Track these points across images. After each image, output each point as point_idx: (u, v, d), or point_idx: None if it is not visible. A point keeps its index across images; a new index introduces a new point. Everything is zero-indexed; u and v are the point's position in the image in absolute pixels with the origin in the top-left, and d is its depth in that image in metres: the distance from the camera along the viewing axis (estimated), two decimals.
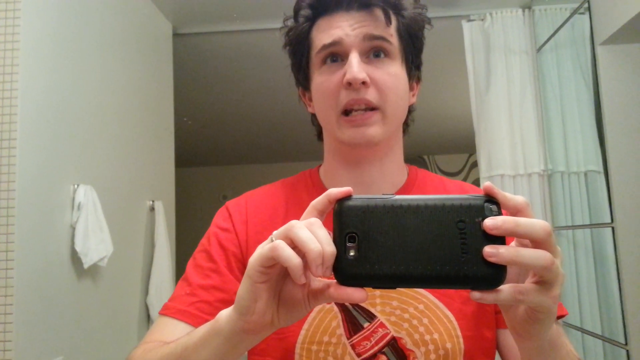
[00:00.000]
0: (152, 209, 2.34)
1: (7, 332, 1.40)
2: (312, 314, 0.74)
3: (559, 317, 0.74)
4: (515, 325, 0.52)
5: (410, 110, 0.85)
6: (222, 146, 5.63)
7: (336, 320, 0.73)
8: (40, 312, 1.52)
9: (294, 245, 0.49)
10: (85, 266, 1.68)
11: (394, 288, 0.49)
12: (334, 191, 0.50)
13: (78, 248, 1.65)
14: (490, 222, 0.46)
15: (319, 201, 0.52)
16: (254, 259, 0.51)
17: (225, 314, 0.56)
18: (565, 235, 2.36)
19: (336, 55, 0.76)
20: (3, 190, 1.43)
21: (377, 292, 0.74)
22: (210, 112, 4.35)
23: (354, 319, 0.74)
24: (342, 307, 0.74)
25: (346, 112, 0.75)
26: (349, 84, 0.73)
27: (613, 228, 1.98)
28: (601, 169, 2.07)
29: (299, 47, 0.82)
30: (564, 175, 2.37)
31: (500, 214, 0.47)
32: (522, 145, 2.49)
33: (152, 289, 2.25)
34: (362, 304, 0.74)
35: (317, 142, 0.90)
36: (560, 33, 2.36)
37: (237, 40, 2.96)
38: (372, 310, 0.74)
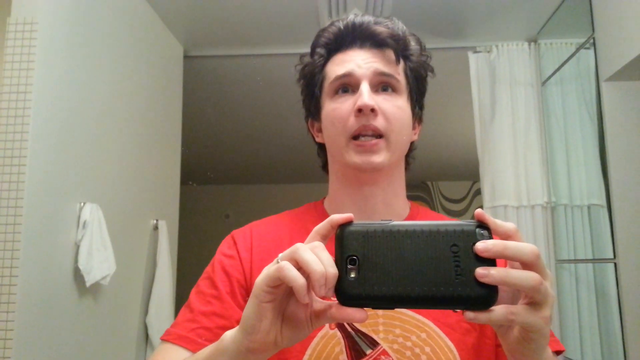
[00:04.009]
0: (156, 228, 2.35)
1: (7, 348, 1.40)
2: (315, 340, 0.75)
3: (558, 353, 0.75)
4: (510, 348, 0.55)
5: (412, 148, 0.90)
6: (227, 166, 5.66)
7: (339, 346, 0.74)
8: (40, 328, 1.52)
9: (299, 267, 0.51)
10: (88, 284, 1.68)
11: (392, 308, 0.53)
12: (336, 217, 0.54)
13: (81, 266, 1.66)
14: (482, 246, 0.49)
15: (322, 226, 0.55)
16: (261, 279, 0.53)
17: (230, 333, 0.58)
18: (567, 268, 2.36)
19: (348, 86, 0.81)
20: (11, 207, 1.45)
21: (380, 319, 0.75)
22: (217, 132, 4.39)
23: (357, 345, 0.74)
24: (345, 333, 0.75)
25: (355, 137, 0.79)
26: (360, 110, 0.77)
27: (615, 264, 1.98)
28: (604, 203, 2.08)
29: (313, 79, 0.87)
30: (567, 208, 2.38)
31: (491, 238, 0.51)
32: (526, 177, 2.50)
33: (152, 308, 2.24)
34: (365, 331, 0.75)
35: (320, 165, 0.94)
36: (566, 67, 2.38)
37: (246, 64, 3.01)
38: (375, 337, 0.75)
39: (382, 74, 0.80)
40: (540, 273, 0.49)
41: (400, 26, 0.84)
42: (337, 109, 0.81)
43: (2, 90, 1.50)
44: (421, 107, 0.90)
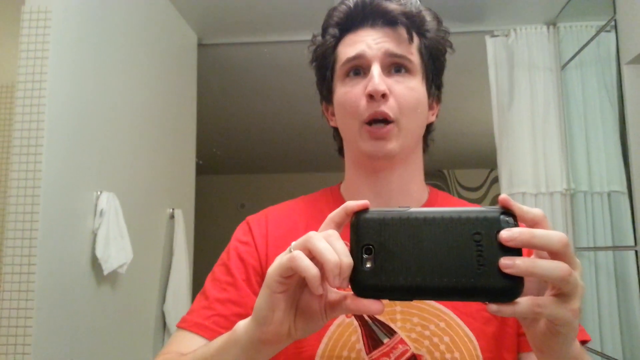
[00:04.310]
0: (172, 216, 2.36)
1: (27, 335, 1.42)
2: (332, 328, 0.73)
3: (583, 343, 0.72)
4: (536, 341, 0.52)
5: (430, 129, 0.87)
6: (242, 155, 5.67)
7: (356, 334, 0.73)
8: (59, 317, 1.54)
9: (312, 256, 0.49)
10: (105, 272, 1.70)
11: (411, 300, 0.49)
12: (351, 204, 0.51)
13: (99, 254, 1.67)
14: (507, 234, 0.46)
15: (336, 213, 0.52)
16: (273, 269, 0.51)
17: (243, 324, 0.57)
18: (587, 256, 2.32)
19: (359, 68, 0.78)
20: (28, 195, 1.46)
21: (398, 307, 0.74)
22: (232, 121, 4.39)
23: (374, 334, 0.73)
24: (362, 322, 0.74)
25: (368, 123, 0.77)
26: (370, 95, 0.75)
27: (636, 251, 1.94)
28: (625, 189, 2.04)
29: (325, 61, 0.84)
30: (586, 195, 2.33)
31: (516, 226, 0.47)
32: (545, 163, 2.46)
33: (169, 296, 2.26)
34: (382, 320, 0.73)
35: (336, 154, 0.92)
36: (586, 51, 2.33)
37: (260, 52, 3.00)
38: (392, 326, 0.73)
39: (394, 54, 0.77)
40: (569, 262, 0.46)
41: (413, 2, 0.80)
42: (348, 93, 0.78)
43: (17, 79, 1.50)
44: (438, 87, 0.86)
